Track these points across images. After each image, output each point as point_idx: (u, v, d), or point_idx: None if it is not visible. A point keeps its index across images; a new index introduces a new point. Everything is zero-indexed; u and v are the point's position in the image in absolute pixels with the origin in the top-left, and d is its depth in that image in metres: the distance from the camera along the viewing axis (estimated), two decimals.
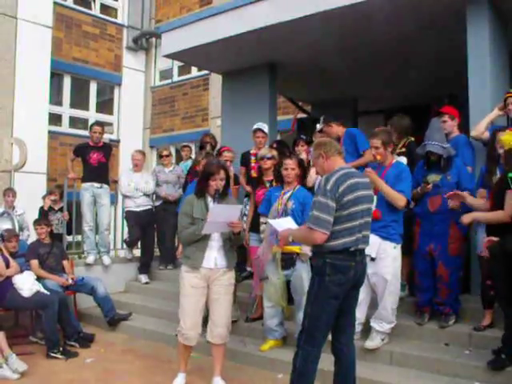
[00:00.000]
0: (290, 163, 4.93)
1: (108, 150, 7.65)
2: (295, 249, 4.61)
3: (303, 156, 5.79)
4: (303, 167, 5.11)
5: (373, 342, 4.60)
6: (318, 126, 5.94)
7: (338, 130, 5.73)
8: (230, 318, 4.38)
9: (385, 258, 4.47)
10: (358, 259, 3.38)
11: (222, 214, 4.13)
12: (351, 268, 3.33)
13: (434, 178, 4.83)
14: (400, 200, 4.44)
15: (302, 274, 4.71)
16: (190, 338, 4.26)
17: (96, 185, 7.34)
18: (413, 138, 5.52)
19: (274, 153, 5.70)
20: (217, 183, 4.25)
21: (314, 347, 3.38)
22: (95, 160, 7.34)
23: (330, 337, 3.54)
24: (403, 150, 5.46)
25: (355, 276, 3.38)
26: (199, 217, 4.20)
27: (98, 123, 7.84)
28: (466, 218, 4.18)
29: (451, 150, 4.79)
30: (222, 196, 4.30)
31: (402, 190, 4.46)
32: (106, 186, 7.46)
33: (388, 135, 4.71)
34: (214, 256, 4.25)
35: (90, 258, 7.37)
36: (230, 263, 4.34)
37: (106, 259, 7.51)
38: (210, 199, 4.31)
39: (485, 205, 4.24)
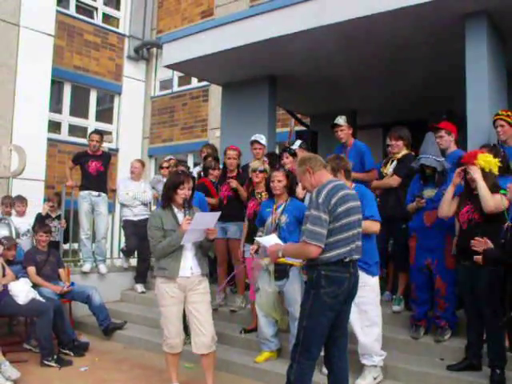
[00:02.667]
0: (277, 175, 4.91)
1: (107, 158, 7.65)
2: (288, 261, 4.59)
3: (288, 167, 5.66)
4: (291, 179, 5.03)
5: (364, 381, 4.33)
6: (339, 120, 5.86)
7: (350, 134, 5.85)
8: (212, 325, 4.36)
9: (362, 287, 3.95)
10: (352, 270, 3.40)
11: (202, 222, 4.18)
12: (345, 279, 3.35)
13: (429, 192, 4.86)
14: (374, 226, 4.27)
15: (295, 285, 4.72)
16: (175, 346, 4.32)
17: (94, 193, 7.35)
18: (413, 153, 5.55)
19: (267, 166, 5.68)
20: (185, 192, 4.27)
21: (309, 360, 3.38)
22: (94, 169, 7.35)
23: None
24: (399, 156, 5.50)
25: (349, 287, 3.39)
26: (170, 228, 4.22)
27: (97, 132, 7.84)
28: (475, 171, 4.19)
29: (446, 164, 4.81)
30: (189, 205, 4.32)
31: (371, 214, 4.25)
32: (104, 194, 7.47)
33: (337, 161, 4.46)
34: (189, 265, 4.28)
35: (86, 266, 7.35)
36: (204, 270, 4.39)
37: (103, 268, 7.49)
38: (176, 210, 4.32)
39: None
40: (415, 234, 4.99)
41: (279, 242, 3.99)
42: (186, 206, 4.25)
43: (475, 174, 4.18)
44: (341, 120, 5.85)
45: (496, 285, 4.00)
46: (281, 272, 4.68)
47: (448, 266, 4.72)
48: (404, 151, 5.52)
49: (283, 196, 4.94)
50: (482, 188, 4.12)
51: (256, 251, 4.97)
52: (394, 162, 5.52)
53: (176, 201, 4.30)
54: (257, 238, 4.53)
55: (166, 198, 4.34)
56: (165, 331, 4.32)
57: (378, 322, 4.40)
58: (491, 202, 4.06)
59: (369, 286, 4.27)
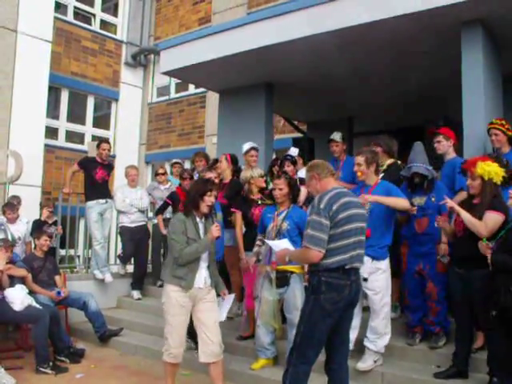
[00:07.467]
0: (278, 183, 4.90)
1: (111, 168, 7.78)
2: (289, 268, 4.61)
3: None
4: (292, 186, 5.01)
5: (365, 364, 4.53)
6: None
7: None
8: (220, 334, 4.36)
9: (375, 273, 4.54)
10: (353, 278, 3.40)
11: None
12: (346, 287, 3.35)
13: (418, 200, 4.89)
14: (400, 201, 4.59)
15: (296, 292, 4.70)
16: (177, 356, 4.27)
17: (101, 201, 7.39)
18: (399, 161, 5.58)
19: (262, 171, 5.78)
20: (212, 199, 4.27)
21: (305, 364, 3.38)
22: (100, 176, 7.40)
23: (323, 356, 3.54)
24: (384, 167, 5.48)
25: (350, 295, 3.39)
26: (193, 237, 4.20)
27: (107, 141, 7.89)
28: (451, 203, 4.21)
29: (434, 172, 4.87)
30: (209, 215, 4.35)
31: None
32: (110, 200, 7.54)
33: (372, 155, 4.73)
34: (203, 276, 4.29)
35: (108, 276, 7.38)
36: (213, 282, 4.41)
37: (99, 273, 7.45)
38: (198, 219, 4.31)
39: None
40: (406, 241, 5.03)
41: (291, 247, 4.03)
42: (212, 212, 4.25)
43: (454, 207, 4.19)
44: (337, 136, 6.28)
45: (490, 291, 3.93)
46: (282, 279, 4.69)
47: (439, 270, 4.76)
48: (388, 160, 5.54)
49: (285, 203, 4.92)
50: (465, 218, 4.09)
51: (258, 260, 4.98)
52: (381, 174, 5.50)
53: (201, 208, 4.28)
54: (267, 241, 4.52)
55: (192, 206, 4.29)
56: (169, 340, 4.25)
57: (389, 302, 4.66)
58: (480, 228, 4.00)
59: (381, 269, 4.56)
